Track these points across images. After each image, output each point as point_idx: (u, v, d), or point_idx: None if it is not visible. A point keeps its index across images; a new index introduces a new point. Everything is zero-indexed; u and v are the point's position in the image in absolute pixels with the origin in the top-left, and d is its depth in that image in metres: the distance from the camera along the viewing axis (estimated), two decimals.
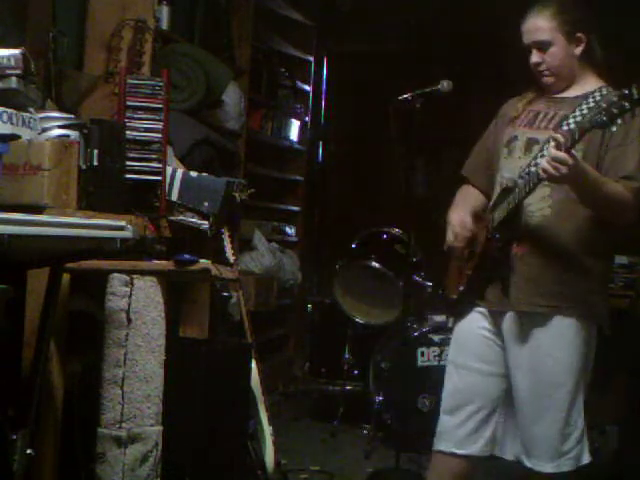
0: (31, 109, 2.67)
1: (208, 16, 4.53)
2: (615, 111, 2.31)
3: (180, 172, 3.22)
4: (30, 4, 3.23)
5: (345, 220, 5.93)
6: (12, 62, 2.61)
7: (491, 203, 2.77)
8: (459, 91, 3.64)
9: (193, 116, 3.90)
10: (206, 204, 3.20)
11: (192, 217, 3.21)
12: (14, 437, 2.26)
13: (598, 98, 2.65)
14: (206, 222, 3.19)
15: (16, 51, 2.63)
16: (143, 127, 3.03)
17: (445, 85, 3.52)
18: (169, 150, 3.22)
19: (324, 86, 6.41)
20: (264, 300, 4.98)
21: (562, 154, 2.37)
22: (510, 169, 2.70)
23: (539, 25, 2.67)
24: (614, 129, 2.36)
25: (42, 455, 2.51)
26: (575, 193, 2.53)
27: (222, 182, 3.27)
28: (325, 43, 6.25)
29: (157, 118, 3.05)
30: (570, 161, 2.37)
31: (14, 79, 2.61)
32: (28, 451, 2.29)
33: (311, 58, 6.18)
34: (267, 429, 3.16)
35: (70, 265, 2.46)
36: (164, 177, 3.08)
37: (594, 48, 2.71)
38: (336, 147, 6.43)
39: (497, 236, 2.65)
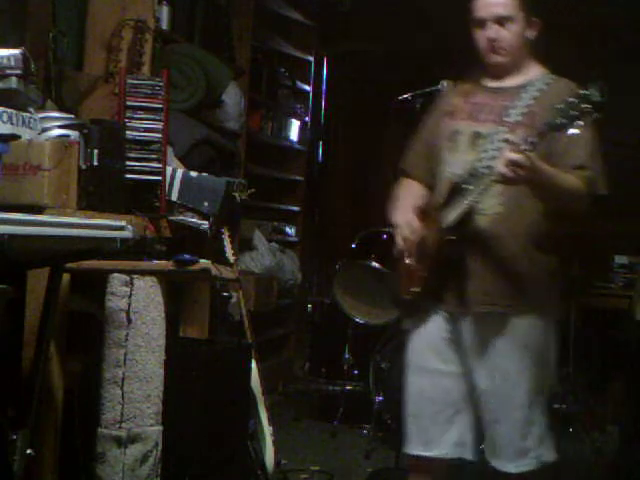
0: (31, 109, 2.67)
1: (208, 16, 4.53)
2: (575, 113, 2.26)
3: (180, 172, 3.22)
4: (30, 4, 3.24)
5: (345, 220, 5.93)
6: (12, 62, 2.62)
7: (439, 199, 2.68)
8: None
9: (193, 116, 3.90)
10: (206, 204, 3.20)
11: (192, 217, 3.21)
12: (14, 437, 2.26)
13: (542, 87, 2.60)
14: (206, 222, 3.19)
15: (16, 51, 2.63)
16: (143, 127, 3.03)
17: (445, 85, 3.51)
18: (169, 150, 3.22)
19: (324, 86, 6.41)
20: (264, 300, 4.98)
21: (519, 157, 2.33)
22: (457, 164, 2.64)
23: (503, 0, 2.59)
24: (572, 131, 2.32)
25: (42, 455, 2.51)
26: (530, 189, 2.50)
27: (222, 182, 3.27)
28: (325, 43, 6.25)
29: (157, 118, 3.05)
30: (527, 163, 2.34)
31: (14, 79, 2.61)
32: (28, 451, 2.29)
33: (311, 58, 6.18)
34: (267, 429, 3.16)
35: (70, 265, 2.46)
36: (164, 177, 3.08)
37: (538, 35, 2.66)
38: (336, 147, 6.43)
39: (451, 238, 2.57)
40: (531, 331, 2.62)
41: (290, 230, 5.93)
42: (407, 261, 2.71)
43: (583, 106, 2.26)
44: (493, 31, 2.61)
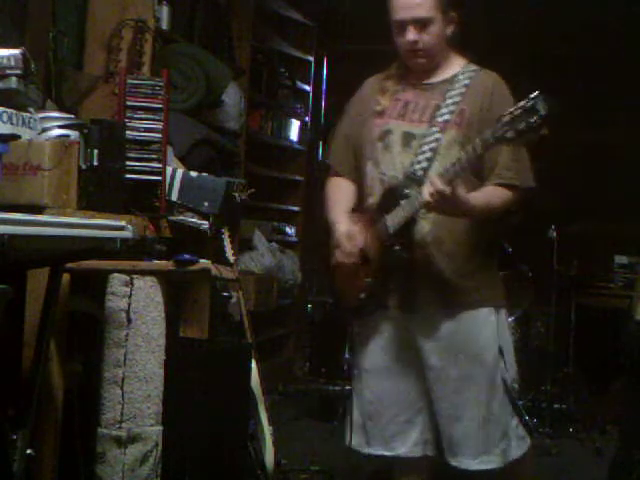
0: (31, 109, 2.67)
1: (208, 16, 4.53)
2: (522, 127, 2.22)
3: (180, 172, 3.22)
4: (30, 4, 3.24)
5: None
6: (12, 62, 2.62)
7: (373, 200, 2.67)
8: None
9: (193, 116, 3.90)
10: (206, 204, 3.20)
11: (192, 217, 3.20)
12: (14, 437, 2.26)
13: (467, 81, 2.59)
14: (206, 222, 3.19)
15: (16, 51, 2.63)
16: (143, 127, 3.03)
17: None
18: (169, 150, 3.22)
19: (324, 86, 6.41)
20: (264, 300, 4.98)
21: (444, 188, 2.33)
22: (391, 165, 2.62)
23: (421, 1, 2.55)
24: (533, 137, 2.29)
25: (42, 455, 2.51)
26: (459, 216, 2.52)
27: (222, 182, 3.26)
28: (325, 43, 6.25)
29: (157, 118, 3.05)
30: (450, 196, 2.34)
31: (14, 79, 2.61)
32: (28, 451, 2.29)
33: (311, 58, 6.18)
34: (267, 429, 3.15)
35: (70, 265, 2.46)
36: (164, 177, 3.08)
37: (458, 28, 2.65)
38: None
39: (396, 247, 2.56)
40: (479, 325, 2.62)
41: (290, 230, 5.93)
42: (348, 268, 2.67)
43: (532, 120, 2.20)
44: (413, 34, 2.58)
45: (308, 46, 6.14)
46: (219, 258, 3.22)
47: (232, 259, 3.28)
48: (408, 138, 2.62)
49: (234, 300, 4.05)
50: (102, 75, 3.46)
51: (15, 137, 2.46)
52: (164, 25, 3.94)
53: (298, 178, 6.12)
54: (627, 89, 5.37)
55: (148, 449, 2.52)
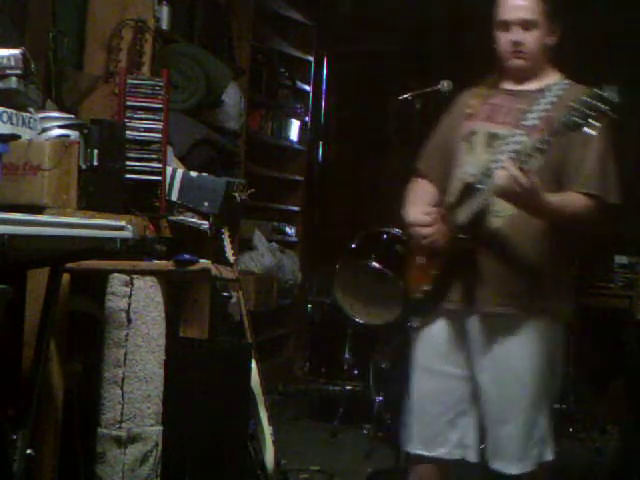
0: (31, 109, 2.67)
1: (208, 16, 4.52)
2: (589, 112, 2.26)
3: (180, 172, 3.22)
4: (30, 4, 3.23)
5: (345, 220, 5.93)
6: (12, 62, 2.62)
7: (452, 198, 2.68)
8: (459, 91, 3.64)
9: (193, 116, 3.90)
10: (206, 204, 3.20)
11: (192, 217, 3.20)
12: (14, 437, 2.26)
13: (559, 92, 2.61)
14: (206, 222, 3.19)
15: (16, 51, 2.63)
16: (143, 127, 3.03)
17: (445, 85, 3.51)
18: (169, 150, 3.22)
19: (324, 86, 6.41)
20: (264, 300, 4.98)
21: (519, 174, 2.34)
22: (473, 165, 2.63)
23: (529, 3, 2.59)
24: (588, 131, 2.31)
25: (42, 455, 2.51)
26: (529, 214, 2.51)
27: (222, 182, 3.26)
28: (325, 43, 6.25)
29: (157, 118, 3.05)
30: (525, 182, 2.35)
31: (14, 79, 2.61)
32: (28, 451, 2.29)
33: (311, 58, 6.18)
34: (267, 429, 3.15)
35: (70, 265, 2.46)
36: (164, 177, 3.08)
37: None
38: (336, 147, 6.43)
39: (463, 236, 2.58)
40: (541, 333, 2.61)
41: (290, 230, 5.93)
42: (418, 259, 2.72)
43: (598, 105, 2.25)
44: (517, 35, 2.61)
45: (308, 46, 6.14)
46: (219, 258, 3.22)
47: (232, 259, 3.28)
48: (491, 138, 2.64)
49: (234, 300, 4.05)
50: (102, 75, 3.46)
51: (15, 137, 2.46)
52: (164, 25, 3.94)
53: (298, 178, 6.12)
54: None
55: (148, 449, 2.52)
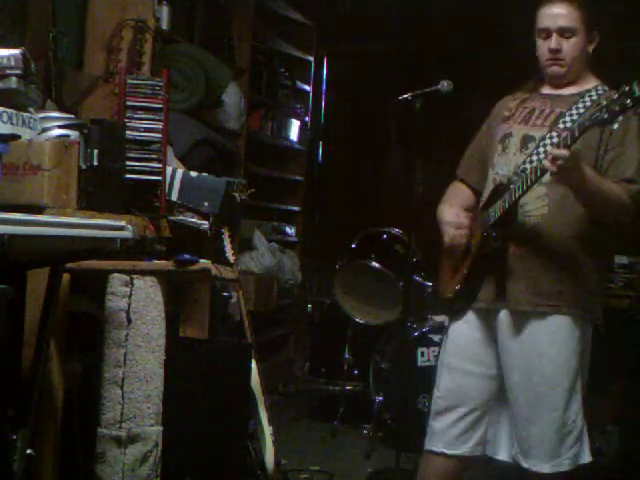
0: (31, 109, 2.67)
1: (208, 16, 4.53)
2: (616, 108, 2.29)
3: (180, 172, 3.22)
4: (30, 4, 3.24)
5: (345, 220, 5.93)
6: (12, 62, 2.62)
7: (484, 199, 2.75)
8: (459, 91, 3.64)
9: (193, 116, 3.90)
10: (206, 204, 3.20)
11: (192, 217, 3.20)
12: (14, 437, 2.26)
13: (595, 97, 2.64)
14: (206, 222, 3.19)
15: (16, 51, 2.63)
16: (143, 127, 3.03)
17: (445, 85, 3.51)
18: (169, 150, 3.22)
19: (324, 86, 6.41)
20: (264, 300, 4.98)
21: (563, 151, 2.36)
22: (505, 166, 2.68)
23: (568, 11, 2.63)
24: (615, 127, 2.35)
25: (42, 455, 2.51)
26: (573, 191, 2.52)
27: (222, 182, 3.26)
28: (325, 43, 6.24)
29: (157, 118, 3.05)
30: (571, 159, 2.37)
31: (14, 79, 2.61)
32: (28, 451, 2.29)
33: (311, 58, 6.18)
34: (267, 429, 3.15)
35: (70, 265, 2.46)
36: (164, 177, 3.08)
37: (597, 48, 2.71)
38: (336, 147, 6.43)
39: (494, 235, 2.62)
40: (571, 332, 2.62)
41: (290, 230, 5.93)
42: (449, 258, 2.74)
43: (625, 101, 2.28)
44: (556, 42, 2.65)
45: (308, 46, 6.13)
46: (219, 258, 3.22)
47: (232, 259, 3.28)
48: (527, 140, 2.67)
49: (234, 300, 4.05)
50: (102, 75, 3.46)
51: (15, 137, 2.46)
52: (164, 25, 3.94)
53: (298, 178, 6.11)
54: None
55: (148, 449, 2.52)
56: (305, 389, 5.24)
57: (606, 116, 2.31)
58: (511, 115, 2.76)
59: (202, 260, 2.92)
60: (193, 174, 3.24)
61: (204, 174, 3.30)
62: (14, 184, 2.52)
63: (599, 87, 2.69)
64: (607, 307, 5.15)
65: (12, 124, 2.53)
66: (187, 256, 2.87)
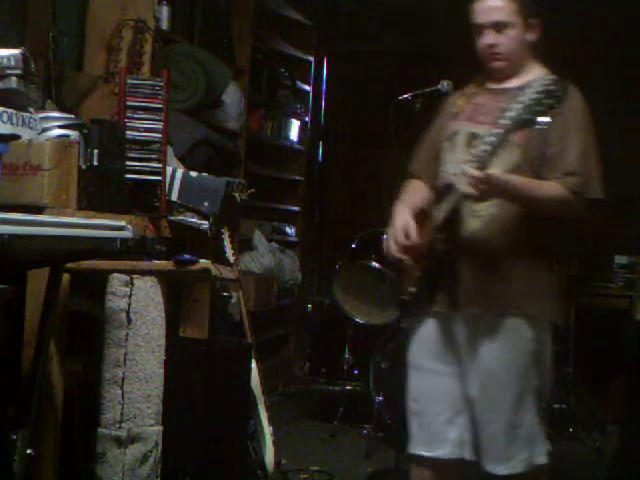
0: (31, 109, 2.67)
1: (208, 16, 4.53)
2: (539, 109, 2.29)
3: (180, 172, 3.22)
4: (30, 4, 3.24)
5: (345, 220, 5.93)
6: (12, 62, 2.62)
7: (434, 199, 2.69)
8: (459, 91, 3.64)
9: (193, 116, 3.90)
10: (206, 204, 3.20)
11: (192, 217, 3.20)
12: (14, 437, 2.26)
13: (540, 88, 2.61)
14: (206, 222, 3.19)
15: (16, 51, 2.63)
16: (143, 127, 3.03)
17: (445, 85, 3.51)
18: (169, 150, 3.22)
19: (324, 86, 6.41)
20: (264, 300, 4.98)
21: (478, 174, 2.35)
22: (452, 164, 2.65)
23: (501, 4, 2.59)
24: (545, 121, 2.31)
25: (42, 455, 2.51)
26: (503, 200, 2.52)
27: (222, 182, 3.26)
28: (325, 43, 6.25)
29: (157, 118, 3.05)
30: (486, 179, 2.36)
31: (14, 79, 2.61)
32: (28, 451, 2.29)
33: (311, 58, 6.18)
34: (267, 429, 3.15)
35: (70, 265, 2.46)
36: (164, 177, 3.08)
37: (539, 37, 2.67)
38: (336, 147, 6.43)
39: (441, 237, 2.57)
40: (522, 332, 2.60)
41: (290, 230, 5.93)
42: (406, 260, 2.71)
43: (546, 101, 2.27)
44: (491, 37, 2.62)
45: (308, 46, 6.13)
46: (219, 258, 3.22)
47: (232, 259, 3.28)
48: (472, 138, 2.65)
49: (234, 300, 4.06)
50: (102, 75, 3.46)
51: (15, 137, 2.46)
52: (164, 25, 3.94)
53: (298, 178, 6.11)
54: (626, 87, 5.37)
55: (148, 449, 2.52)
56: (305, 389, 5.25)
57: (527, 117, 2.30)
58: (459, 112, 2.73)
59: (202, 260, 2.92)
60: (193, 174, 3.24)
61: (204, 174, 3.30)
62: (14, 184, 2.53)
63: (543, 77, 2.63)
64: (607, 307, 5.18)
65: (12, 124, 2.53)
66: (187, 256, 2.87)
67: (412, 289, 2.69)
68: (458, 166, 2.59)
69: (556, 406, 4.77)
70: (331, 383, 4.93)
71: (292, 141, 6.02)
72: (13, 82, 2.61)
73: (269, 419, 3.17)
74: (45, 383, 2.45)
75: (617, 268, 5.27)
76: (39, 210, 2.51)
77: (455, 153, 2.67)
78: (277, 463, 3.20)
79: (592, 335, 4.98)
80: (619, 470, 3.69)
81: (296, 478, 3.76)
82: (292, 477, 3.69)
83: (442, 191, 2.61)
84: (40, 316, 2.36)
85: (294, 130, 6.02)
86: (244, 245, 5.12)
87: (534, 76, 2.66)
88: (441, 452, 2.71)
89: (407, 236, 2.62)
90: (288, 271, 5.52)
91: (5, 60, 2.61)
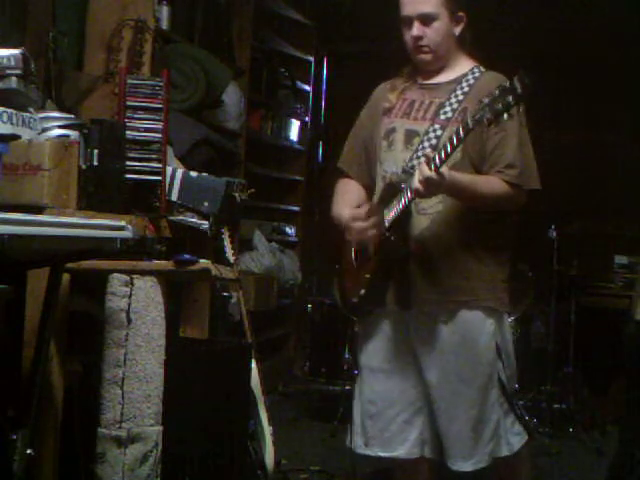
0: (31, 109, 2.67)
1: (208, 16, 4.53)
2: (500, 107, 2.26)
3: (180, 172, 3.22)
4: (30, 4, 3.24)
5: None
6: (12, 62, 2.62)
7: (376, 199, 2.69)
8: None
9: (193, 116, 3.90)
10: (206, 204, 3.20)
11: (192, 217, 3.20)
12: (14, 437, 2.26)
13: (472, 81, 2.61)
14: (206, 222, 3.19)
15: (16, 51, 2.63)
16: (143, 127, 3.03)
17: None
18: (169, 150, 3.22)
19: (324, 86, 6.40)
20: (264, 300, 4.98)
21: (431, 174, 2.35)
22: (392, 162, 2.65)
23: None
24: (501, 122, 2.31)
25: (42, 455, 2.51)
26: (451, 198, 2.53)
27: (222, 182, 3.26)
28: (325, 43, 6.25)
29: (157, 118, 3.04)
30: (438, 180, 2.36)
31: (14, 79, 2.61)
32: (28, 451, 2.29)
33: (311, 58, 6.18)
34: (267, 429, 3.15)
35: (70, 265, 2.46)
36: (164, 177, 3.08)
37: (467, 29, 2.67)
38: (336, 147, 6.42)
39: (392, 238, 2.57)
40: (477, 326, 2.61)
41: (290, 230, 5.93)
42: (351, 263, 2.70)
43: (507, 99, 2.25)
44: (417, 29, 2.61)
45: (308, 46, 6.14)
46: (219, 258, 3.22)
47: (232, 259, 3.28)
48: (411, 135, 2.64)
49: (234, 300, 4.06)
50: (102, 75, 3.46)
51: (15, 137, 2.45)
52: (164, 25, 3.94)
53: (298, 178, 6.12)
54: (626, 88, 5.37)
55: (148, 449, 2.52)
56: (305, 389, 5.24)
57: (489, 116, 2.27)
58: (391, 107, 2.71)
59: (202, 260, 2.92)
60: (193, 174, 3.24)
61: (204, 174, 3.30)
62: (14, 184, 2.52)
63: (475, 69, 2.65)
64: (607, 307, 5.18)
65: (12, 124, 2.53)
66: (187, 256, 2.87)
67: (361, 291, 2.65)
68: (398, 164, 2.60)
69: (556, 406, 4.78)
70: (331, 383, 4.92)
71: (292, 141, 6.02)
72: (13, 82, 2.61)
73: (269, 419, 3.17)
74: (45, 383, 2.45)
75: (617, 268, 5.27)
76: (39, 210, 2.51)
77: (394, 151, 2.66)
78: (277, 463, 3.20)
79: (592, 335, 4.98)
80: (619, 471, 3.68)
81: (296, 478, 3.76)
82: (292, 477, 3.69)
83: (387, 190, 2.61)
84: (40, 316, 2.36)
85: (294, 130, 6.03)
86: (244, 245, 5.12)
87: (465, 69, 2.65)
88: (400, 452, 2.70)
89: (359, 220, 2.61)
90: (288, 271, 5.52)
91: (5, 60, 2.61)
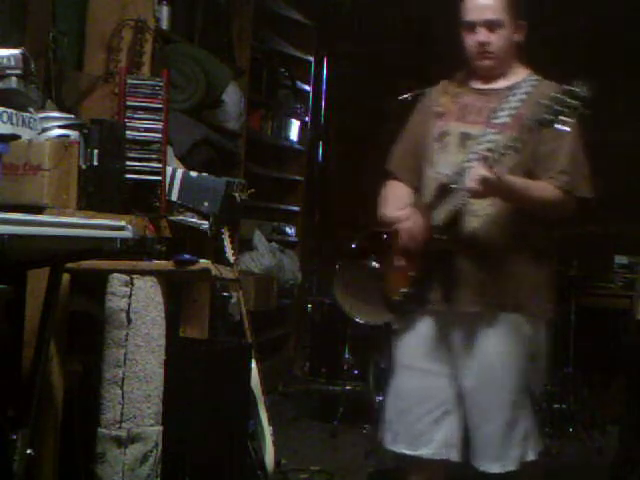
0: (31, 109, 2.67)
1: (208, 16, 4.52)
2: (560, 108, 2.29)
3: (180, 172, 3.22)
4: (30, 4, 3.23)
5: (345, 220, 5.93)
6: (12, 62, 2.62)
7: (427, 200, 2.71)
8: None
9: (193, 116, 3.89)
10: (206, 204, 3.20)
11: (192, 217, 3.20)
12: (14, 437, 2.26)
13: (528, 89, 2.62)
14: (206, 222, 3.19)
15: (16, 51, 2.63)
16: (143, 127, 3.03)
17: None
18: (169, 150, 3.22)
19: (324, 86, 6.40)
20: (264, 300, 4.98)
21: (487, 174, 2.38)
22: (446, 164, 2.66)
23: (493, 4, 2.61)
24: (560, 127, 2.33)
25: (42, 455, 2.51)
26: (501, 200, 2.55)
27: (222, 182, 3.26)
28: (325, 43, 6.24)
29: (157, 118, 3.04)
30: (494, 180, 2.39)
31: (14, 79, 2.61)
32: (28, 451, 2.29)
33: (311, 58, 6.18)
34: (267, 429, 3.15)
35: (70, 265, 2.46)
36: (164, 177, 3.08)
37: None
38: (336, 147, 6.42)
39: (442, 237, 2.59)
40: (518, 330, 2.62)
41: (290, 230, 5.93)
42: (397, 261, 2.72)
43: (568, 101, 2.28)
44: (483, 35, 2.63)
45: (308, 46, 6.13)
46: (219, 258, 3.22)
47: (232, 259, 3.28)
48: (464, 138, 2.66)
49: (234, 300, 4.06)
50: (102, 75, 3.46)
51: (15, 137, 2.45)
52: (164, 25, 3.94)
53: (298, 178, 6.12)
54: (628, 88, 5.37)
55: (148, 449, 2.52)
56: (305, 389, 5.24)
57: (550, 117, 2.30)
58: (445, 111, 2.73)
59: (202, 260, 2.92)
60: (193, 174, 3.24)
61: (204, 174, 3.30)
62: (14, 184, 2.52)
63: (530, 78, 2.68)
64: (607, 307, 5.17)
65: (12, 124, 2.53)
66: (187, 256, 2.87)
67: (404, 289, 2.68)
68: (452, 166, 2.61)
69: (556, 406, 4.78)
70: (331, 383, 4.92)
71: (292, 141, 6.02)
72: (13, 82, 2.61)
73: (269, 419, 3.17)
74: (45, 383, 2.45)
75: (617, 268, 5.27)
76: (39, 210, 2.51)
77: (447, 153, 2.67)
78: (277, 463, 3.20)
79: (592, 335, 4.98)
80: (619, 470, 3.69)
81: (296, 478, 3.76)
82: (292, 477, 3.69)
83: (439, 191, 2.62)
84: (40, 316, 2.36)
85: (294, 130, 6.02)
86: (244, 245, 5.12)
87: (521, 77, 2.68)
88: (425, 451, 2.70)
89: (406, 220, 2.66)
90: (288, 271, 5.52)
91: (5, 60, 2.61)
